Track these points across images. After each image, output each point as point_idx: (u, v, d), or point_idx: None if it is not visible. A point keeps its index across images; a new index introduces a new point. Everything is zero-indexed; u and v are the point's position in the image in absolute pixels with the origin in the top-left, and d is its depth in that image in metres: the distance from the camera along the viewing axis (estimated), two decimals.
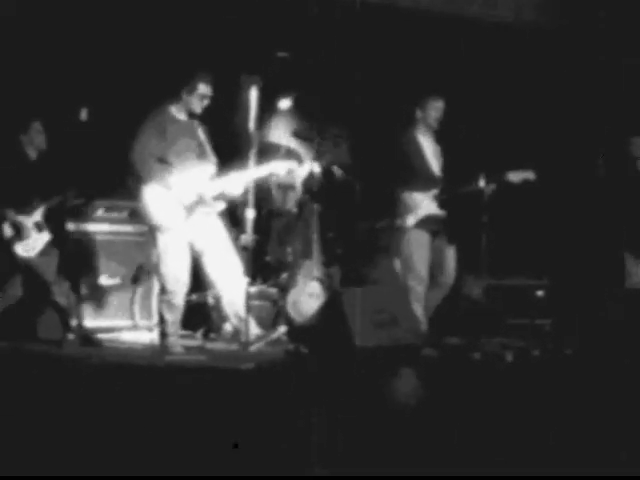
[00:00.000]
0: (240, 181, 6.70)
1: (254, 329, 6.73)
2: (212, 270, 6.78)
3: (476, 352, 6.80)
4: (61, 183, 7.31)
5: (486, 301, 7.72)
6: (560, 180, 8.58)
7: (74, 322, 7.35)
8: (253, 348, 6.55)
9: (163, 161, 6.64)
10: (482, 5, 8.99)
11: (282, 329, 7.20)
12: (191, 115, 6.83)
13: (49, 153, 7.38)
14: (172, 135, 6.71)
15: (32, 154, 7.34)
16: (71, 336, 7.17)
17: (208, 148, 6.85)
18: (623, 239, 7.77)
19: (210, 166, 6.79)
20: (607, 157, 8.17)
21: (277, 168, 6.84)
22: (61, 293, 7.28)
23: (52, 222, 7.31)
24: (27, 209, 7.20)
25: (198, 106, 6.77)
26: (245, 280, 6.70)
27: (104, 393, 5.03)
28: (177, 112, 6.82)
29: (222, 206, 6.81)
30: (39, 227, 7.22)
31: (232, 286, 6.74)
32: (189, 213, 6.64)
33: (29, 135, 7.31)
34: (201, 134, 6.85)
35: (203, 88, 6.74)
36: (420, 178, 7.17)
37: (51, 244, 7.28)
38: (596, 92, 8.96)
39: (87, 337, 7.22)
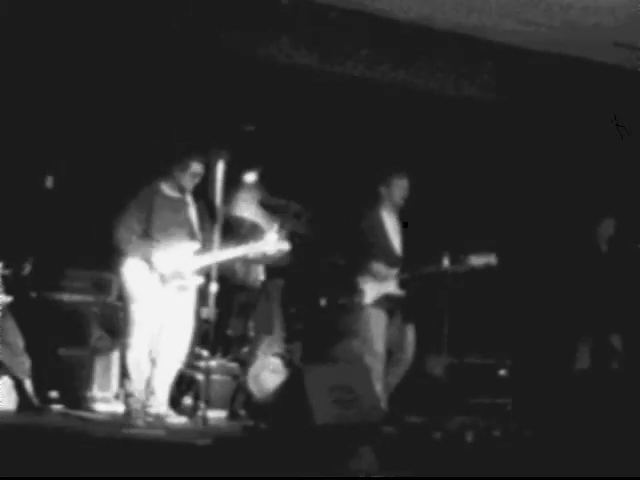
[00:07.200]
0: (225, 258, 6.81)
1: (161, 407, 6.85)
2: (163, 340, 6.84)
3: (437, 431, 6.77)
4: (25, 247, 7.25)
5: (447, 380, 7.72)
6: (522, 261, 8.64)
7: (30, 390, 7.22)
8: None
9: (147, 235, 6.77)
10: (455, 82, 9.04)
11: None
12: (183, 191, 6.97)
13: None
14: (159, 211, 6.87)
15: None
16: (27, 404, 7.06)
17: (195, 225, 6.98)
18: (578, 323, 7.89)
19: (194, 243, 6.90)
20: (573, 238, 8.26)
21: (267, 248, 6.87)
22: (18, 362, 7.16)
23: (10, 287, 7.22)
24: None
25: (190, 183, 6.95)
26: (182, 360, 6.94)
27: (60, 464, 4.99)
28: (168, 189, 6.99)
29: (200, 281, 6.89)
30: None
31: (168, 358, 6.84)
32: (164, 284, 6.71)
33: None
34: (190, 211, 7.00)
35: (195, 167, 6.93)
36: (382, 256, 7.20)
37: (9, 308, 7.16)
38: (564, 171, 9.04)
39: (41, 406, 7.13)
